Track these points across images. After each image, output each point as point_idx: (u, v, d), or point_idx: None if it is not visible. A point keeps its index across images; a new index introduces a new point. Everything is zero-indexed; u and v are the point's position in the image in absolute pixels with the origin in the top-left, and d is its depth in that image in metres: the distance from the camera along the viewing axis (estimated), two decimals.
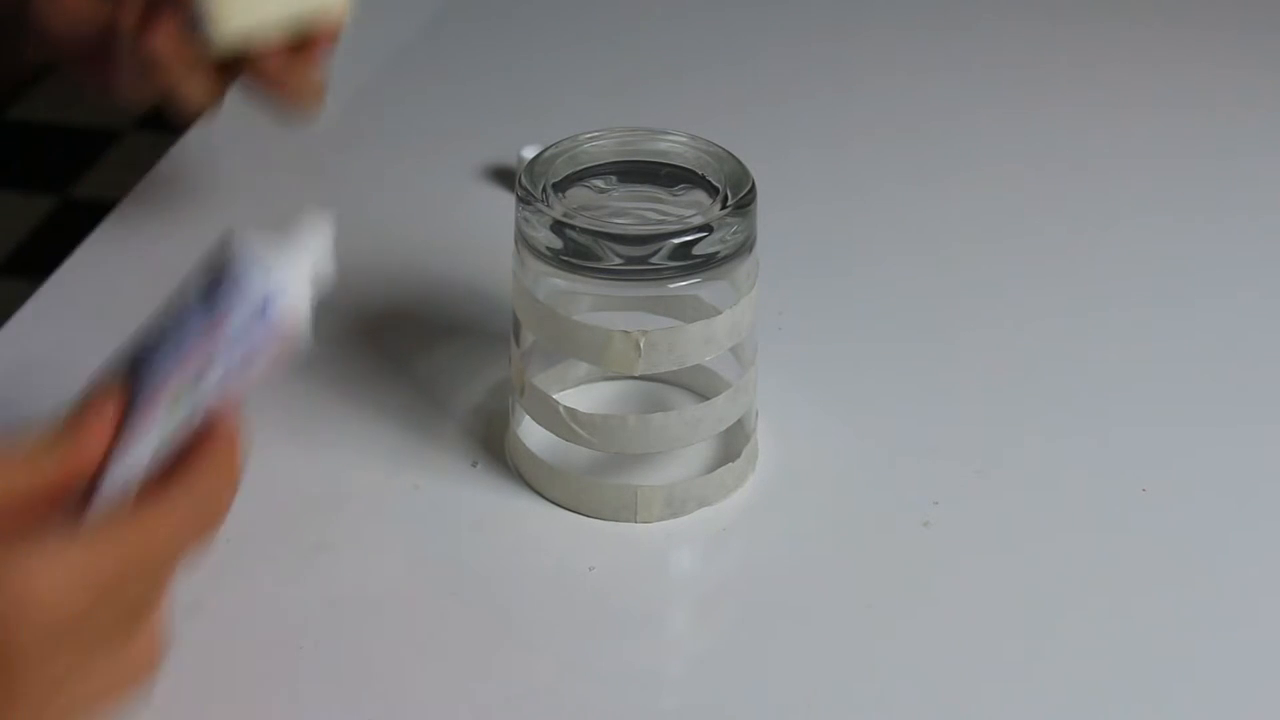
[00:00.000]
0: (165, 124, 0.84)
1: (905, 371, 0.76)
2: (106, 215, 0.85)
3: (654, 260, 0.64)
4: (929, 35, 1.08)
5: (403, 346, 0.76)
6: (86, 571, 0.48)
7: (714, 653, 0.64)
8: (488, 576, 0.66)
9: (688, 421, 0.67)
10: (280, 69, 0.75)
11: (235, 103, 0.91)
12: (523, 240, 0.66)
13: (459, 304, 0.78)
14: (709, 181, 0.67)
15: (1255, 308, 0.81)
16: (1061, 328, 0.80)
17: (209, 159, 0.91)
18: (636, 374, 0.65)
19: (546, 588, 0.65)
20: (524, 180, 0.66)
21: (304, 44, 0.75)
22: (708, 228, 0.64)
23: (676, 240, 0.64)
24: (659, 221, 0.65)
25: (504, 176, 0.88)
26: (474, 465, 0.70)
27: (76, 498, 0.50)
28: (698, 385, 0.72)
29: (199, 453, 0.50)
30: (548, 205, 0.65)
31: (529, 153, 0.82)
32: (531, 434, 0.69)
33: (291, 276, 0.48)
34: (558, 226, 0.64)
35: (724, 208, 0.65)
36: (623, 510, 0.67)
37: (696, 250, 0.64)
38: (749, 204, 0.65)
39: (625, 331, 0.64)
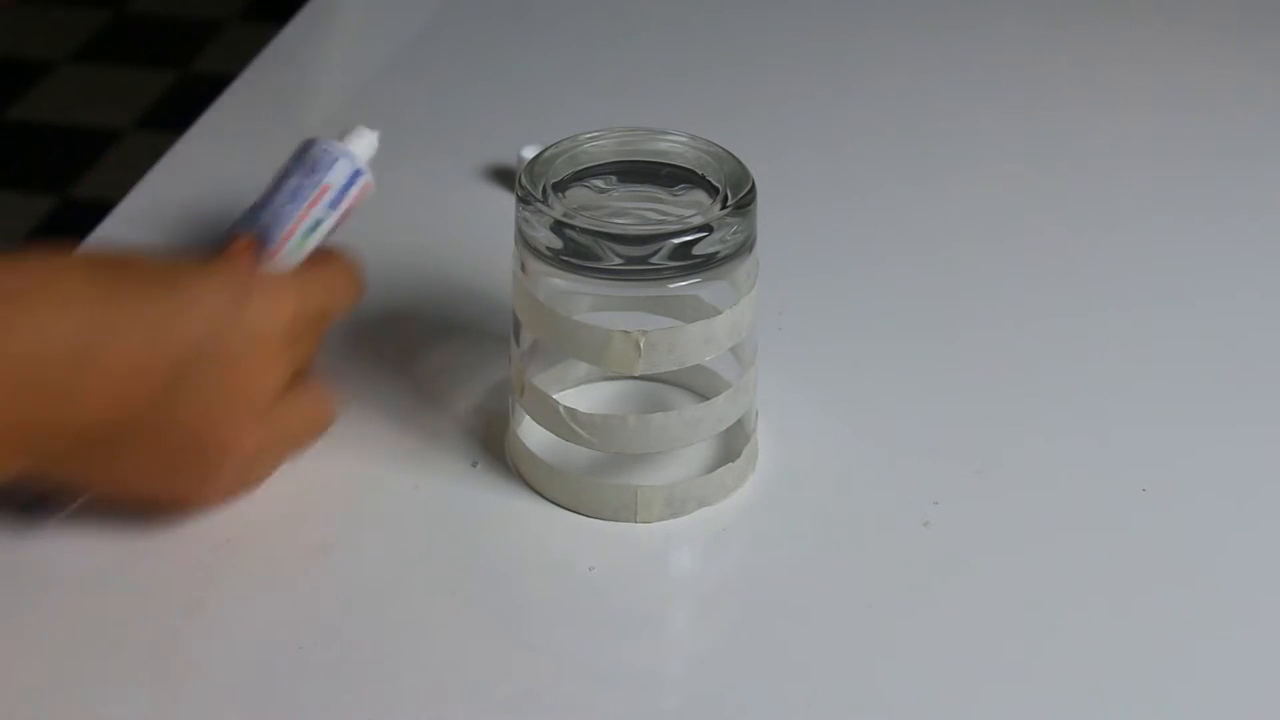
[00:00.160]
0: (165, 123, 0.84)
1: (905, 371, 0.76)
2: (106, 215, 0.85)
3: (654, 260, 0.64)
4: (929, 35, 1.07)
5: (403, 346, 0.76)
6: (292, 299, 0.66)
7: (714, 653, 0.64)
8: (487, 576, 0.66)
9: (688, 421, 0.67)
10: None
11: (235, 102, 0.91)
12: (523, 240, 0.66)
13: (459, 304, 0.78)
14: (709, 181, 0.67)
15: (1255, 308, 0.81)
16: (1061, 328, 0.80)
17: (209, 159, 0.91)
18: (636, 374, 0.65)
19: (546, 588, 0.65)
20: (524, 180, 0.66)
21: None
22: (708, 228, 0.64)
23: (676, 240, 0.64)
24: (659, 221, 0.65)
25: (504, 176, 0.88)
26: (474, 465, 0.70)
27: None
28: (698, 385, 0.72)
29: (326, 256, 0.70)
30: (548, 205, 0.65)
31: (529, 153, 0.82)
32: (531, 434, 0.69)
33: (363, 159, 0.72)
34: (558, 226, 0.64)
35: (724, 208, 0.65)
36: (623, 510, 0.67)
37: (696, 250, 0.64)
38: (749, 204, 0.65)
39: (625, 331, 0.64)
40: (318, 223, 0.71)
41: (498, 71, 1.01)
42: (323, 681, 0.60)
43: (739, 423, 0.69)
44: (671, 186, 0.67)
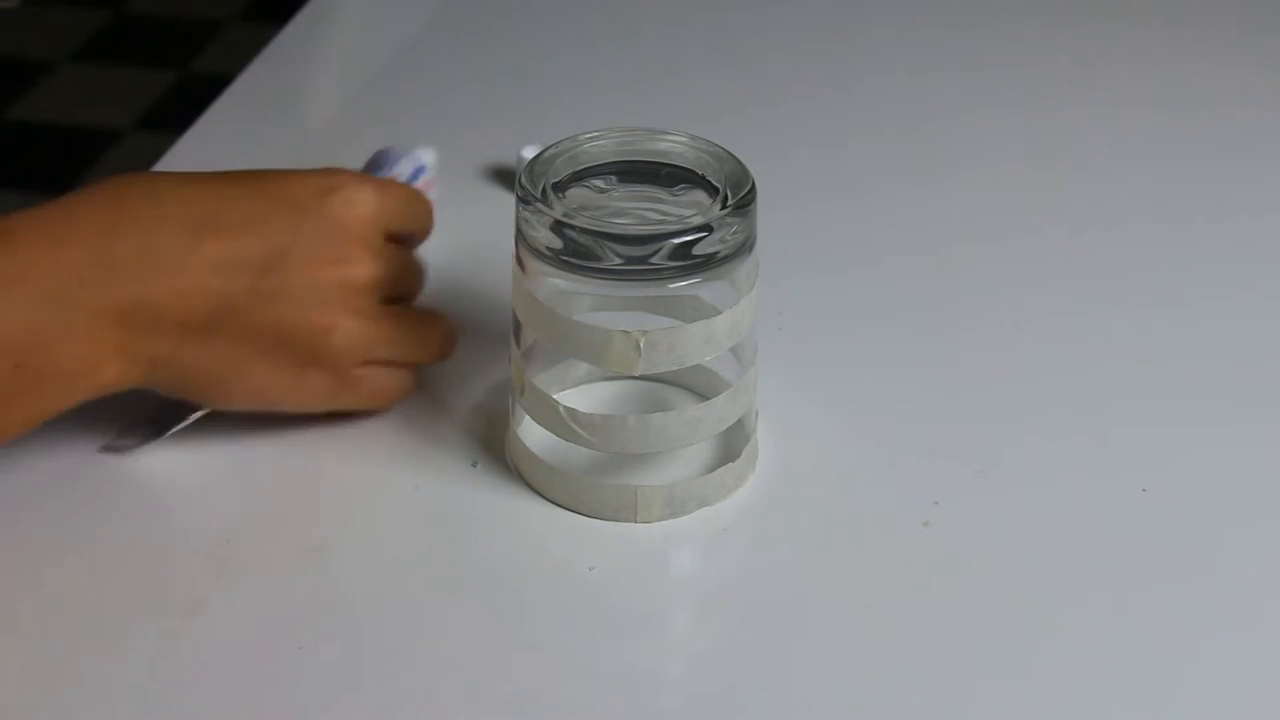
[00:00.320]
0: (165, 123, 0.84)
1: (905, 371, 0.76)
2: None
3: (654, 260, 0.64)
4: (929, 35, 1.08)
5: None
6: (375, 195, 0.70)
7: (714, 653, 0.64)
8: (488, 576, 0.66)
9: (688, 421, 0.67)
10: None
11: (235, 102, 0.91)
12: (523, 240, 0.66)
13: (459, 304, 0.78)
14: (709, 181, 0.67)
15: (1255, 308, 0.81)
16: (1061, 328, 0.80)
17: (209, 159, 0.90)
18: (636, 374, 0.65)
19: (546, 588, 0.65)
20: (524, 180, 0.66)
21: None
22: (708, 228, 0.64)
23: (676, 240, 0.64)
24: (659, 221, 0.65)
25: (504, 176, 0.88)
26: (474, 465, 0.70)
27: None
28: (698, 385, 0.72)
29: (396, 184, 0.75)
30: (548, 205, 0.65)
31: (529, 153, 0.82)
32: (531, 434, 0.69)
33: (427, 161, 0.82)
34: (558, 226, 0.64)
35: (724, 208, 0.65)
36: (623, 510, 0.67)
37: (696, 250, 0.64)
38: (749, 204, 0.65)
39: (625, 331, 0.64)
40: None
41: (498, 71, 1.01)
42: (323, 681, 0.60)
43: (739, 423, 0.69)
44: (671, 186, 0.67)
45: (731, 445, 0.70)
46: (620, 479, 0.68)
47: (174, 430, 0.69)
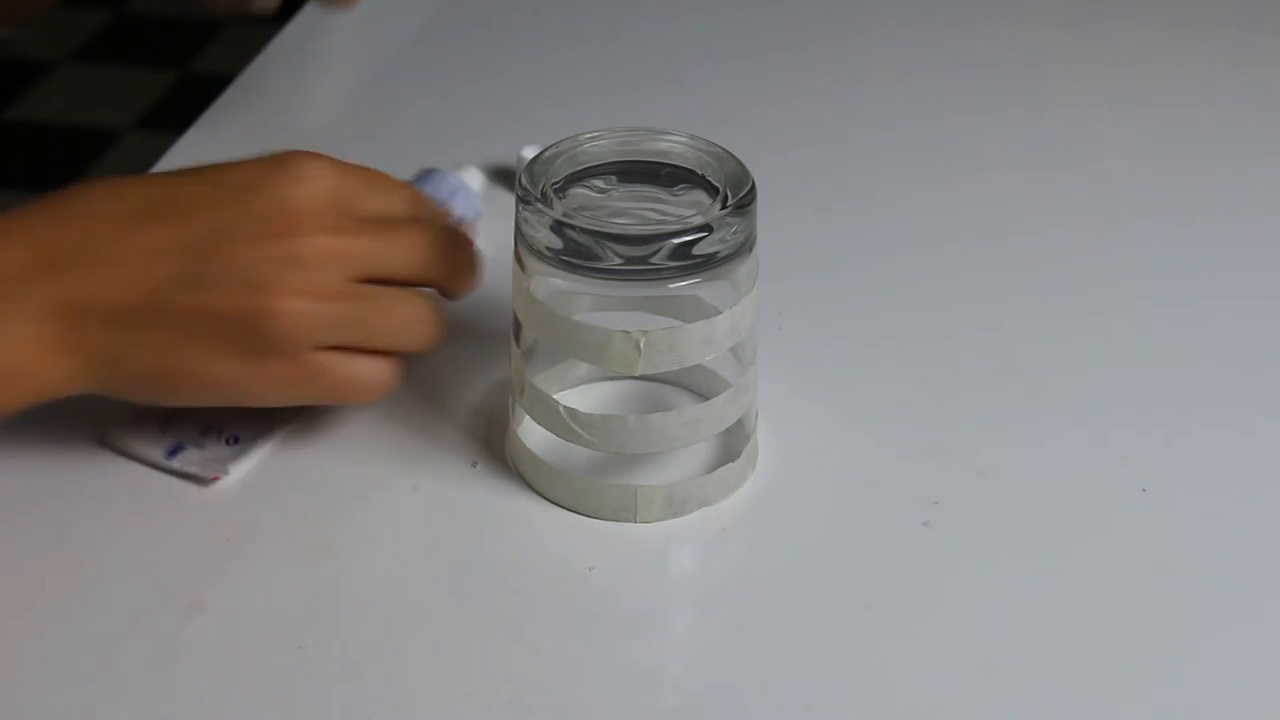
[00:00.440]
0: (165, 123, 0.84)
1: (905, 371, 0.76)
2: None
3: (654, 260, 0.64)
4: (929, 35, 1.08)
5: None
6: (333, 172, 0.66)
7: (714, 653, 0.64)
8: (488, 576, 0.66)
9: (688, 421, 0.67)
10: None
11: (235, 102, 0.91)
12: (523, 240, 0.66)
13: (459, 304, 0.78)
14: (709, 181, 0.67)
15: (1255, 308, 0.81)
16: (1062, 328, 0.80)
17: (209, 159, 0.90)
18: (636, 374, 0.65)
19: (546, 588, 0.65)
20: (524, 180, 0.66)
21: None
22: (708, 228, 0.64)
23: (676, 240, 0.64)
24: (659, 221, 0.65)
25: (504, 176, 0.88)
26: (474, 465, 0.70)
27: None
28: (698, 385, 0.72)
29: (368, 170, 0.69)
30: (548, 205, 0.65)
31: (529, 153, 0.82)
32: (531, 434, 0.69)
33: (470, 182, 0.82)
34: (558, 226, 0.64)
35: (724, 208, 0.65)
36: (623, 510, 0.67)
37: (696, 250, 0.64)
38: (749, 204, 0.65)
39: (625, 331, 0.64)
40: None
41: (498, 71, 1.01)
42: (323, 681, 0.60)
43: (739, 423, 0.69)
44: (671, 186, 0.67)
45: (731, 445, 0.70)
46: (620, 479, 0.68)
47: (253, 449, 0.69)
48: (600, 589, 0.65)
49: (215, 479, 0.68)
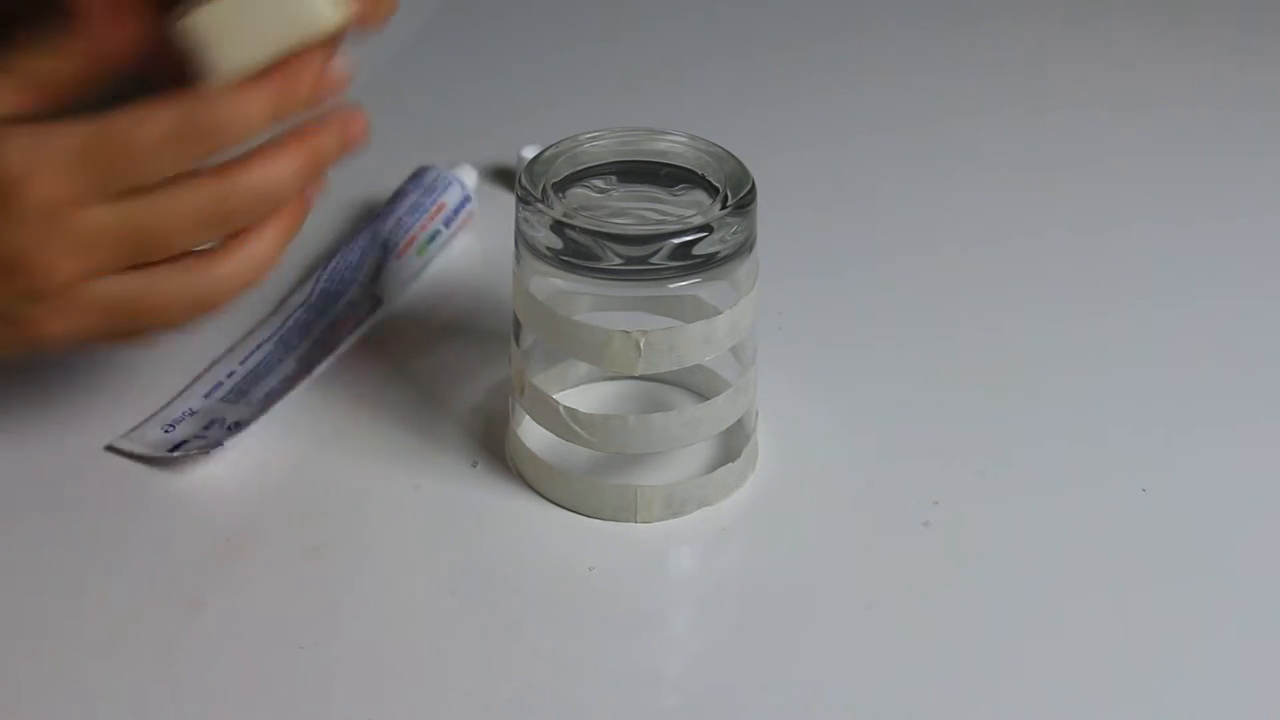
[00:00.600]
0: None
1: (905, 371, 0.76)
2: None
3: (654, 260, 0.64)
4: (930, 35, 1.08)
5: (403, 346, 0.76)
6: (58, 145, 0.56)
7: (714, 653, 0.64)
8: (488, 576, 0.66)
9: (688, 421, 0.67)
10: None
11: None
12: (523, 240, 0.66)
13: (459, 304, 0.78)
14: (709, 181, 0.67)
15: (1255, 308, 0.81)
16: (1061, 328, 0.80)
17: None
18: (636, 374, 0.65)
19: (546, 588, 0.65)
20: (524, 180, 0.66)
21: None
22: (708, 228, 0.64)
23: (676, 240, 0.64)
24: (659, 221, 0.65)
25: (504, 176, 0.88)
26: (474, 465, 0.70)
27: None
28: (698, 385, 0.72)
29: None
30: (548, 205, 0.65)
31: (529, 153, 0.82)
32: (531, 434, 0.69)
33: (464, 179, 0.84)
34: (558, 226, 0.64)
35: (724, 208, 0.65)
36: (623, 510, 0.67)
37: (696, 250, 0.64)
38: (749, 204, 0.65)
39: (625, 331, 0.64)
40: (435, 234, 0.81)
41: (498, 71, 1.01)
42: (323, 681, 0.60)
43: (739, 423, 0.69)
44: (671, 186, 0.67)
45: (731, 445, 0.70)
46: (620, 479, 0.68)
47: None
48: (600, 589, 0.65)
49: (212, 452, 0.68)
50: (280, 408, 0.71)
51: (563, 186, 0.66)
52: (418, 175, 0.83)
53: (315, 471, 0.69)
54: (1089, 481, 0.70)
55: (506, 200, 0.70)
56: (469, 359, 0.75)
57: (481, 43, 1.05)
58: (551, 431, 0.68)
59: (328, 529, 0.67)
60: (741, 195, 0.65)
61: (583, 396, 0.72)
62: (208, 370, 0.73)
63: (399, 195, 0.82)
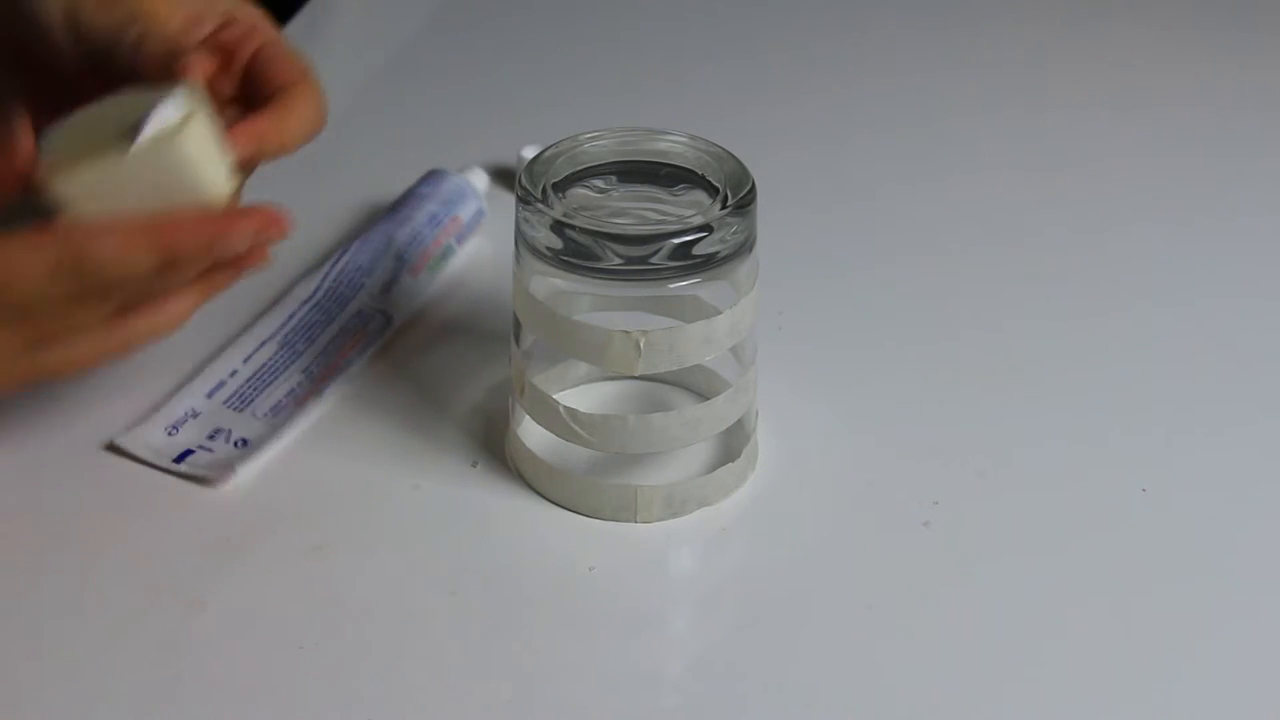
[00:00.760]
0: None
1: (905, 372, 0.76)
2: None
3: (654, 260, 0.64)
4: (930, 35, 1.08)
5: (403, 346, 0.76)
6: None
7: (714, 653, 0.64)
8: (488, 576, 0.66)
9: (688, 421, 0.67)
10: None
11: None
12: (523, 240, 0.66)
13: (459, 304, 0.78)
14: (709, 181, 0.67)
15: (1255, 308, 0.81)
16: (1061, 328, 0.80)
17: None
18: (636, 374, 0.65)
19: (546, 588, 0.65)
20: (524, 180, 0.66)
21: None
22: (708, 228, 0.64)
23: (676, 240, 0.64)
24: (659, 221, 0.65)
25: (504, 176, 0.88)
26: (474, 465, 0.70)
27: None
28: (698, 385, 0.72)
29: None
30: (548, 205, 0.65)
31: (529, 153, 0.82)
32: (531, 434, 0.69)
33: (475, 183, 0.83)
34: (558, 226, 0.64)
35: (724, 208, 0.65)
36: (623, 510, 0.67)
37: (696, 250, 0.64)
38: (749, 204, 0.65)
39: (625, 331, 0.64)
40: (448, 250, 0.81)
41: (498, 71, 1.01)
42: (323, 681, 0.60)
43: (739, 423, 0.69)
44: (671, 186, 0.67)
45: (731, 445, 0.70)
46: (620, 479, 0.68)
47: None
48: (600, 589, 0.65)
49: (224, 479, 0.68)
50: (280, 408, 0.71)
51: (563, 186, 0.66)
52: (433, 179, 0.83)
53: (315, 471, 0.69)
54: (1089, 481, 0.70)
55: (507, 200, 0.70)
56: (469, 359, 0.75)
57: (481, 43, 1.05)
58: (551, 431, 0.68)
59: (328, 529, 0.67)
60: (741, 195, 0.65)
61: (583, 396, 0.72)
62: (208, 364, 0.73)
63: (414, 199, 0.82)
